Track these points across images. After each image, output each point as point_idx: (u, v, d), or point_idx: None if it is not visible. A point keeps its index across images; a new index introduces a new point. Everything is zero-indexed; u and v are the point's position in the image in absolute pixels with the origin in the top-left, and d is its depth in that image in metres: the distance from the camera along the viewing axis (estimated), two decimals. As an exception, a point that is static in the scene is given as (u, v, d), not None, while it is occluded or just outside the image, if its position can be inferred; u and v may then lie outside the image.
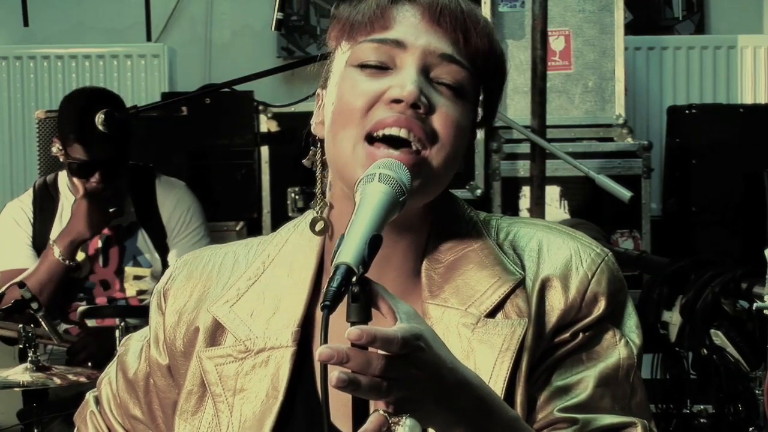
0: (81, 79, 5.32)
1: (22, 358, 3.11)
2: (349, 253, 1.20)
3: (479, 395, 1.25)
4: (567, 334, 1.42)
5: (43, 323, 3.18)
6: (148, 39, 5.48)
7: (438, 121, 1.39)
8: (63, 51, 5.40)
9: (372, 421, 1.17)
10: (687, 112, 4.92)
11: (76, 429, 1.67)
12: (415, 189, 1.35)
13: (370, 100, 1.39)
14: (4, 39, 5.47)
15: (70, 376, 3.06)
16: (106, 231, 3.73)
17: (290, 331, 1.44)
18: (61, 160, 3.69)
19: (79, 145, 3.57)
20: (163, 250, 3.75)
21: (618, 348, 1.43)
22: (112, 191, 3.65)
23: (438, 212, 1.46)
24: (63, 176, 3.78)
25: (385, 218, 1.28)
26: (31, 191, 3.84)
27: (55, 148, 3.68)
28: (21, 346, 3.10)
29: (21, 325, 3.12)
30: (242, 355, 1.45)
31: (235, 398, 1.44)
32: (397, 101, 1.37)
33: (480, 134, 4.32)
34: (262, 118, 4.40)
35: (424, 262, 1.45)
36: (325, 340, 1.15)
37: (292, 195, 4.19)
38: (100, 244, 3.73)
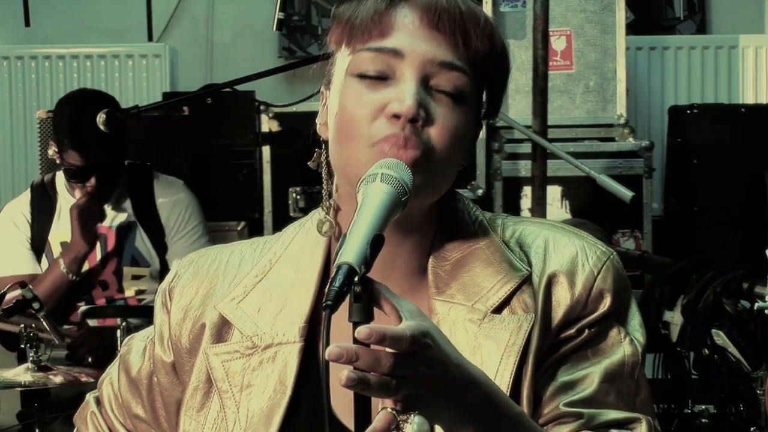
0: (82, 79, 5.32)
1: (23, 359, 3.11)
2: (351, 252, 1.20)
3: (485, 391, 1.25)
4: (573, 330, 1.42)
5: (44, 323, 3.18)
6: (150, 39, 5.48)
7: (435, 132, 1.39)
8: (64, 51, 5.40)
9: (380, 418, 1.17)
10: (688, 112, 4.93)
11: (76, 430, 1.67)
12: (416, 187, 1.35)
13: (372, 113, 1.39)
14: (6, 39, 5.47)
15: (71, 376, 3.06)
16: (103, 231, 3.73)
17: (297, 327, 1.44)
18: (57, 162, 3.69)
19: (73, 151, 3.57)
20: (161, 249, 3.75)
21: (623, 345, 1.44)
22: (100, 200, 3.62)
23: (443, 211, 1.46)
24: (60, 176, 3.78)
25: (387, 218, 1.28)
26: (29, 192, 3.84)
27: (51, 150, 3.68)
28: (22, 346, 3.10)
29: (22, 325, 3.12)
30: (249, 351, 1.45)
31: (242, 394, 1.44)
32: (397, 116, 1.37)
33: (481, 134, 4.33)
34: (264, 118, 4.40)
35: (430, 260, 1.45)
36: (326, 340, 1.15)
37: (294, 195, 4.19)
38: (98, 245, 3.73)
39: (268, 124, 4.40)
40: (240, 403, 1.44)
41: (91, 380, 3.03)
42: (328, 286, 1.17)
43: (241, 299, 1.48)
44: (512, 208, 4.27)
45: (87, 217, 3.58)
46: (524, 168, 4.19)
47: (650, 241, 4.32)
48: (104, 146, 3.55)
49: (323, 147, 1.48)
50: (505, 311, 1.40)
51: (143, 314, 3.51)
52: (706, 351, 3.04)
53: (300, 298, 1.46)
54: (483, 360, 1.36)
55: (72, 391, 3.23)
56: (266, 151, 4.40)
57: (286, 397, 1.42)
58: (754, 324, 2.94)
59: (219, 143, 4.45)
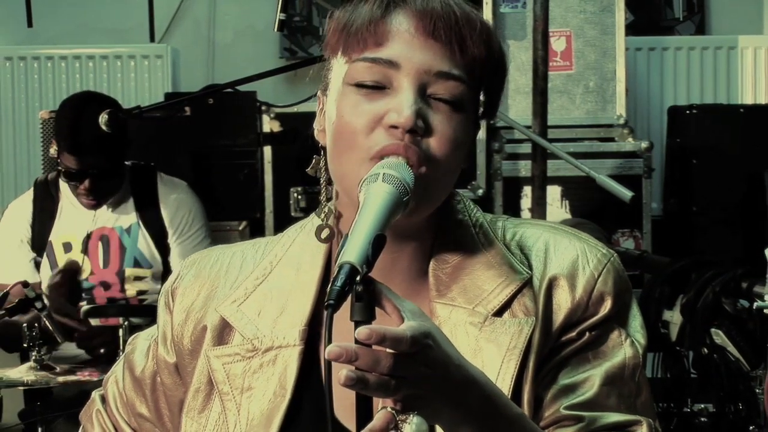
0: (85, 79, 5.32)
1: (25, 358, 3.11)
2: (353, 252, 1.20)
3: (486, 392, 1.25)
4: (574, 333, 1.42)
5: (47, 322, 3.18)
6: (152, 40, 5.48)
7: (435, 143, 1.38)
8: (67, 52, 5.40)
9: (379, 417, 1.17)
10: (688, 112, 4.93)
11: (81, 428, 1.67)
12: (412, 207, 1.35)
13: (369, 124, 1.38)
14: (8, 40, 5.47)
15: (74, 376, 3.06)
16: (106, 232, 3.73)
17: (297, 330, 1.44)
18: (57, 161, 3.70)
19: (69, 154, 3.57)
20: (164, 250, 3.74)
21: (624, 347, 1.43)
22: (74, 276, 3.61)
23: (443, 214, 1.46)
24: (63, 175, 3.78)
25: (389, 218, 1.28)
26: (31, 190, 3.84)
27: (53, 149, 3.69)
28: (25, 345, 3.10)
29: (25, 324, 3.12)
30: (250, 354, 1.45)
31: (243, 396, 1.44)
32: (395, 127, 1.37)
33: (482, 134, 4.34)
34: (265, 118, 4.40)
35: (431, 263, 1.44)
36: (329, 339, 1.15)
37: (295, 195, 4.19)
38: (100, 245, 3.73)
39: (269, 125, 4.40)
40: (241, 405, 1.44)
41: (93, 379, 3.03)
42: (330, 286, 1.17)
43: (242, 302, 1.48)
44: (512, 208, 4.27)
45: (60, 297, 3.43)
46: (524, 168, 4.19)
47: (649, 240, 4.32)
48: (102, 149, 3.55)
49: (321, 153, 1.47)
50: (506, 314, 1.40)
51: (145, 313, 3.51)
52: (706, 350, 3.04)
53: (300, 301, 1.46)
54: (484, 363, 1.36)
55: (74, 389, 3.23)
56: (267, 151, 4.40)
57: (286, 401, 1.42)
58: (753, 323, 2.95)
59: (220, 143, 4.45)
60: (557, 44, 4.38)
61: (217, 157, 4.46)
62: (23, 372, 3.06)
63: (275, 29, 3.54)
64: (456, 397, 1.21)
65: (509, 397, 1.33)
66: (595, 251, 1.46)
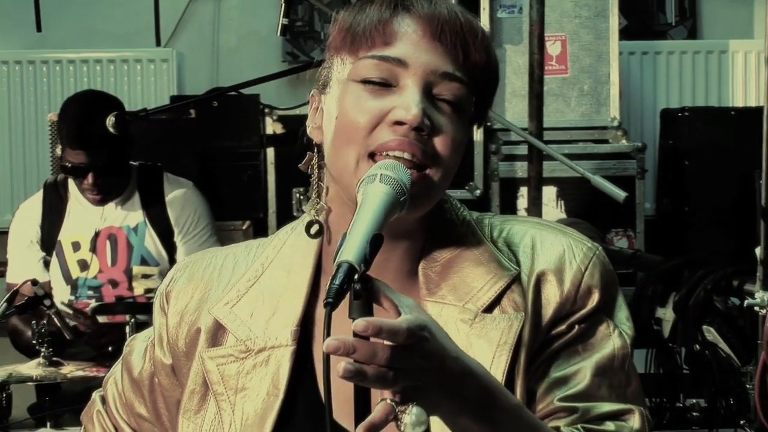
0: (92, 82, 5.32)
1: (35, 354, 3.11)
2: (351, 251, 1.20)
3: (483, 384, 1.25)
4: (563, 326, 1.42)
5: (54, 319, 3.18)
6: (158, 44, 5.48)
7: (440, 143, 1.39)
8: (75, 56, 5.40)
9: (379, 409, 1.17)
10: (680, 114, 4.93)
11: (83, 428, 1.67)
12: (412, 205, 1.35)
13: (374, 119, 1.38)
14: (18, 44, 5.47)
15: (82, 372, 3.06)
16: (114, 231, 3.73)
17: (290, 330, 1.44)
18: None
19: (71, 149, 3.56)
20: (170, 248, 3.74)
21: (612, 338, 1.44)
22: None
23: (433, 216, 1.45)
24: (72, 176, 3.78)
25: (386, 218, 1.28)
26: (41, 192, 3.84)
27: (58, 149, 3.69)
28: (34, 342, 3.10)
29: (33, 322, 3.12)
30: (243, 355, 1.45)
31: (237, 397, 1.44)
32: (401, 123, 1.36)
33: (479, 136, 4.33)
34: (268, 120, 4.40)
35: (420, 262, 1.44)
36: (328, 336, 1.14)
37: (297, 195, 4.19)
38: (108, 243, 3.73)
39: (272, 127, 4.40)
40: (235, 405, 1.43)
41: (100, 375, 3.03)
42: (328, 284, 1.17)
43: (234, 303, 1.48)
44: (509, 208, 4.26)
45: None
46: (521, 169, 4.19)
47: (643, 240, 4.32)
48: (105, 143, 3.54)
49: (315, 150, 1.47)
50: (496, 310, 1.40)
51: (151, 311, 3.50)
52: (697, 347, 3.04)
53: (292, 302, 1.46)
54: (475, 359, 1.36)
55: (82, 385, 3.23)
56: (270, 152, 4.40)
57: (279, 400, 1.42)
58: (743, 320, 2.94)
59: (225, 145, 4.45)
60: (553, 48, 4.37)
61: (221, 158, 4.45)
62: (33, 368, 3.06)
63: (278, 34, 3.54)
64: (454, 389, 1.21)
65: None
66: (581, 245, 1.46)
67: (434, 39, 1.39)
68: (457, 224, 1.47)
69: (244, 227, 4.39)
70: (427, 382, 1.18)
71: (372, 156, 1.37)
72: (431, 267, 1.43)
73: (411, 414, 1.17)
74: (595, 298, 1.43)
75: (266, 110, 4.42)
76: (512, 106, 4.34)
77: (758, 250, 2.63)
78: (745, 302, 2.69)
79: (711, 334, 3.01)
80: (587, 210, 4.21)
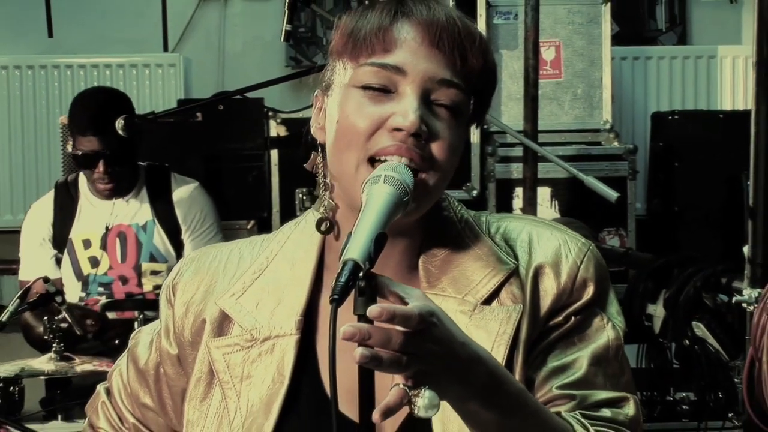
0: (102, 87, 5.32)
1: (47, 349, 3.10)
2: (356, 249, 1.20)
3: (489, 369, 1.25)
4: (560, 318, 1.43)
5: (66, 315, 3.18)
6: (165, 49, 5.49)
7: (437, 148, 1.38)
8: (85, 60, 5.40)
9: (393, 393, 1.17)
10: (670, 117, 4.93)
11: (87, 419, 1.67)
12: (412, 209, 1.35)
13: (373, 125, 1.38)
14: (31, 49, 5.47)
15: (92, 366, 3.06)
16: (123, 229, 3.73)
17: (294, 320, 1.44)
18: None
19: (84, 136, 3.55)
20: (178, 246, 3.74)
21: (606, 330, 1.44)
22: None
23: (431, 214, 1.46)
24: (83, 176, 3.77)
25: (389, 217, 1.28)
26: (52, 192, 3.84)
27: (69, 145, 3.68)
28: (45, 337, 3.10)
29: (45, 318, 3.11)
30: (248, 344, 1.45)
31: (242, 384, 1.44)
32: (399, 129, 1.37)
33: (476, 138, 4.33)
34: (272, 123, 4.40)
35: (420, 257, 1.45)
36: (333, 331, 1.15)
37: (300, 195, 4.18)
38: (118, 241, 3.73)
39: (276, 129, 4.39)
40: (240, 393, 1.44)
41: (109, 369, 3.02)
42: (334, 281, 1.18)
43: (240, 295, 1.48)
44: (505, 208, 4.26)
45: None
46: (516, 170, 4.19)
47: (634, 238, 4.32)
48: (116, 131, 3.52)
49: (319, 150, 1.47)
50: (495, 302, 1.41)
51: (158, 307, 3.50)
52: (687, 342, 3.04)
53: (296, 293, 1.46)
54: (481, 346, 1.36)
55: (91, 379, 3.22)
56: (274, 154, 4.39)
57: (284, 387, 1.42)
58: (731, 316, 2.94)
59: (230, 147, 4.45)
60: (547, 54, 4.37)
61: (226, 159, 4.45)
62: (44, 363, 3.06)
63: (281, 39, 3.54)
64: (462, 373, 1.22)
65: None
66: (575, 241, 1.47)
67: (432, 46, 1.39)
68: (455, 221, 1.47)
69: (248, 226, 4.39)
70: (437, 366, 1.19)
71: (371, 161, 1.38)
72: (431, 261, 1.44)
73: (424, 398, 1.17)
74: (590, 291, 1.44)
75: (270, 113, 4.41)
76: (508, 110, 4.33)
77: (746, 249, 2.63)
78: (733, 299, 2.69)
79: (700, 329, 3.01)
80: (580, 210, 4.21)
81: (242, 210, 4.44)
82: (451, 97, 1.39)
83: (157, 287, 3.71)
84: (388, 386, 1.18)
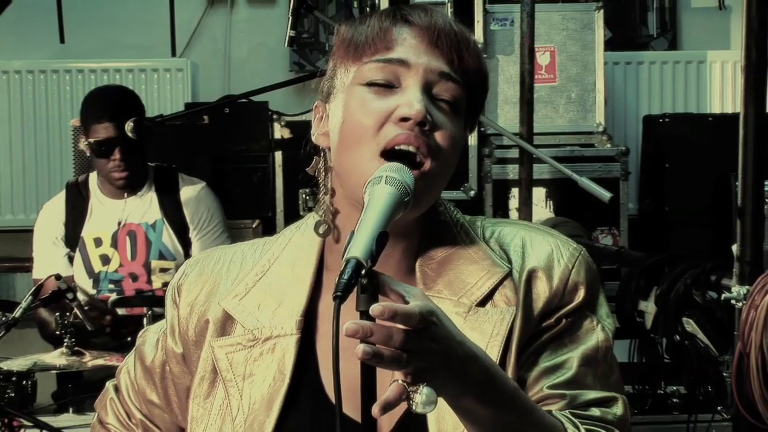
0: (112, 91, 5.32)
1: (61, 344, 3.10)
2: (358, 248, 1.20)
3: (484, 367, 1.25)
4: (552, 320, 1.42)
5: (77, 312, 3.18)
6: (173, 54, 5.49)
7: (440, 137, 1.39)
8: (96, 65, 5.41)
9: (392, 389, 1.17)
10: (661, 120, 4.93)
11: (96, 414, 1.67)
12: (414, 202, 1.35)
13: (380, 119, 1.38)
14: (43, 54, 5.47)
15: (102, 361, 3.06)
16: (133, 227, 3.73)
17: (294, 320, 1.44)
18: (87, 153, 3.69)
19: (101, 123, 3.54)
20: (186, 244, 3.74)
21: (596, 332, 1.44)
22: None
23: (428, 217, 1.46)
24: (93, 177, 3.77)
25: (391, 217, 1.28)
26: (64, 192, 3.83)
27: (82, 143, 3.67)
28: (57, 333, 3.10)
29: (57, 314, 3.11)
30: (251, 344, 1.45)
31: (245, 383, 1.44)
32: (406, 119, 1.37)
33: (473, 141, 4.33)
34: (276, 126, 4.40)
35: (417, 260, 1.44)
36: (336, 327, 1.15)
37: (303, 196, 4.18)
38: (128, 240, 3.73)
39: (280, 132, 4.40)
40: (243, 391, 1.43)
41: (119, 364, 3.02)
42: (337, 279, 1.17)
43: (242, 296, 1.48)
44: (501, 208, 4.27)
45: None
46: (512, 171, 4.19)
47: (626, 237, 4.32)
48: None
49: (322, 155, 1.47)
50: (489, 305, 1.41)
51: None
52: (678, 337, 3.04)
53: (296, 294, 1.46)
54: (477, 345, 1.36)
55: (102, 373, 3.23)
56: (278, 156, 4.40)
57: (285, 385, 1.42)
58: (721, 313, 2.94)
59: (236, 149, 4.45)
60: (542, 59, 4.37)
61: (232, 161, 4.46)
62: (56, 357, 3.06)
63: (286, 45, 3.53)
64: (459, 371, 1.22)
65: None
66: (567, 245, 1.47)
67: (432, 45, 1.41)
68: (451, 225, 1.47)
69: (253, 226, 4.38)
70: (436, 364, 1.19)
71: (383, 154, 1.37)
72: (428, 264, 1.44)
73: (422, 394, 1.18)
74: (581, 294, 1.44)
75: (274, 116, 4.42)
76: (504, 113, 4.34)
77: (734, 247, 2.63)
78: (723, 296, 2.68)
79: (690, 325, 3.01)
80: (574, 209, 4.21)
81: (247, 210, 4.44)
82: (451, 91, 1.40)
83: (166, 284, 3.69)
84: (388, 383, 1.18)
